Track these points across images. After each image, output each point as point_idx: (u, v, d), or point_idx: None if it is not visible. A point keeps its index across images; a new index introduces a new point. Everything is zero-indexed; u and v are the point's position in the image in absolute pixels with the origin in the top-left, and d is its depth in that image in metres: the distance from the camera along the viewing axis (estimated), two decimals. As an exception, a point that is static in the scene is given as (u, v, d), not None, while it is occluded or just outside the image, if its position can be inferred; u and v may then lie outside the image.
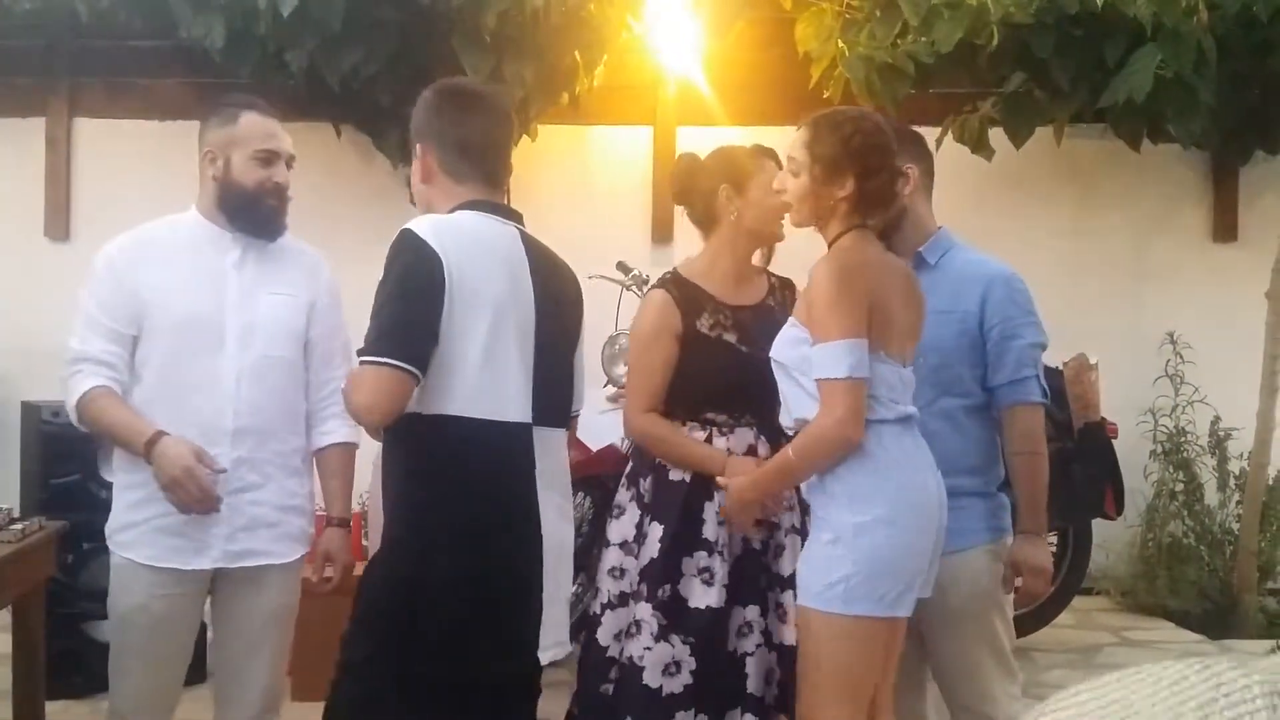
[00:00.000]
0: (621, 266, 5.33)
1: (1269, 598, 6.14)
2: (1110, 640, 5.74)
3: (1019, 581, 3.07)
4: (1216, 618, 5.95)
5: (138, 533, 2.93)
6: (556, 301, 2.66)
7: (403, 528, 2.49)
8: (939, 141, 6.07)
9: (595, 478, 4.75)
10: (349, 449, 3.20)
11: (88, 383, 2.89)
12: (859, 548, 2.68)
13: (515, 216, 2.68)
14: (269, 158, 3.07)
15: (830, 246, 2.81)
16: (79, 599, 4.48)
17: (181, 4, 5.48)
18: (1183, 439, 6.48)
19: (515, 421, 2.52)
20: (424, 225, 2.50)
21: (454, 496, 2.46)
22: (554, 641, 2.58)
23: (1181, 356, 6.58)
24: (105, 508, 3.06)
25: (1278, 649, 5.45)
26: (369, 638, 2.47)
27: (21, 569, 3.50)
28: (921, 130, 3.42)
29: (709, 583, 3.07)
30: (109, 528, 3.02)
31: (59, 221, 6.53)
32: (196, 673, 3.20)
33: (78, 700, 4.46)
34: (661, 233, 6.56)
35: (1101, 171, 6.79)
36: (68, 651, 4.39)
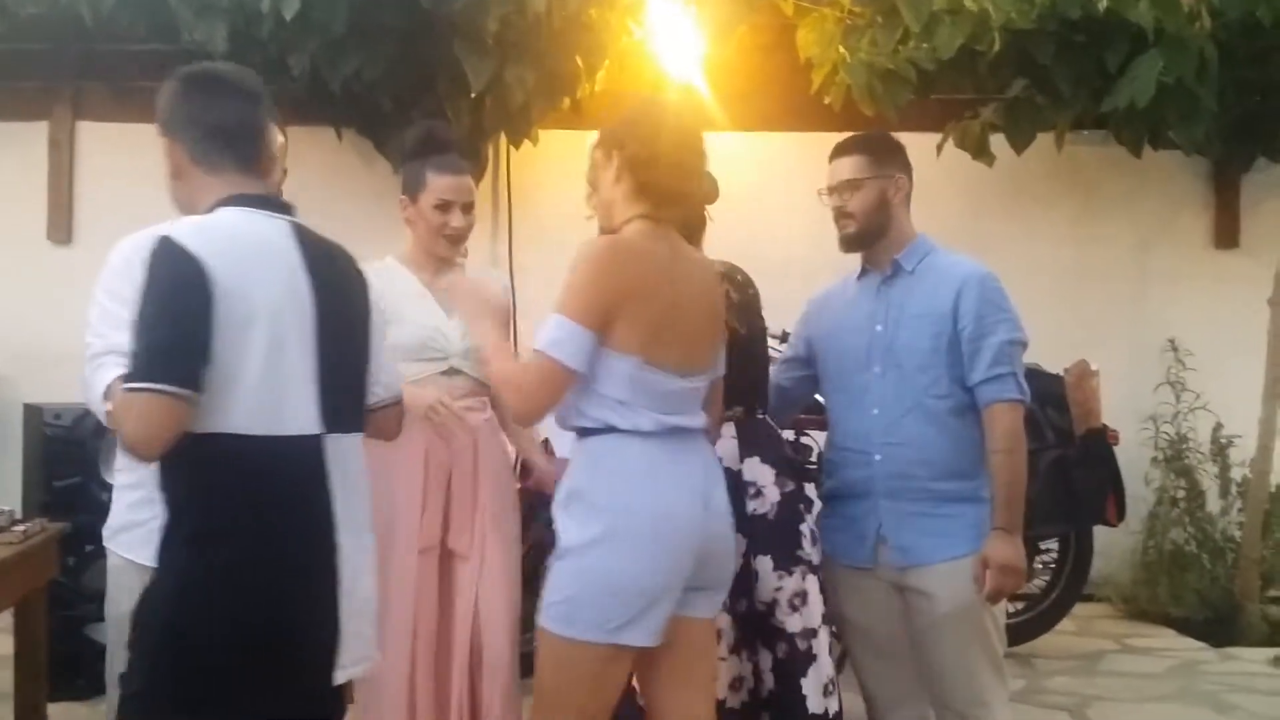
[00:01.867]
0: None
1: (1271, 605, 6.12)
2: (1112, 647, 5.74)
3: (990, 578, 2.99)
4: (1218, 625, 5.94)
5: (142, 533, 2.92)
6: (338, 296, 2.45)
7: (182, 555, 2.25)
8: (940, 148, 6.08)
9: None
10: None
11: (116, 372, 2.86)
12: (583, 567, 2.57)
13: (285, 209, 2.47)
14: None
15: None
16: (81, 601, 4.48)
17: (184, 8, 5.49)
18: (1184, 446, 6.48)
19: (302, 434, 2.32)
20: (184, 230, 2.26)
21: (237, 520, 2.25)
22: (356, 658, 2.40)
23: (1183, 363, 6.58)
24: (107, 510, 3.05)
25: (1279, 657, 5.46)
26: (142, 672, 2.26)
27: (24, 571, 3.50)
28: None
29: None
30: (109, 528, 3.01)
31: (62, 225, 6.54)
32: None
33: (80, 702, 4.46)
34: (663, 238, 6.56)
35: (1103, 178, 6.79)
36: (70, 654, 4.39)
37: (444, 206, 3.34)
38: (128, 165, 6.31)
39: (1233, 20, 5.28)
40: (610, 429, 2.61)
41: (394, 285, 3.31)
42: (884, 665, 3.21)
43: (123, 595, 2.97)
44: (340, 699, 2.47)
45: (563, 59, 5.79)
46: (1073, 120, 6.04)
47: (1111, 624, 6.16)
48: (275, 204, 2.47)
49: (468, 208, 3.39)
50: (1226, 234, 6.92)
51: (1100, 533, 5.56)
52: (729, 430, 3.18)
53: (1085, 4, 5.20)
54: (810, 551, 3.19)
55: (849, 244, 3.26)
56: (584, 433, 2.67)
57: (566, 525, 2.62)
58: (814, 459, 5.11)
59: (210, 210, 2.37)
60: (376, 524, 3.28)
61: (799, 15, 5.82)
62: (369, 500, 2.53)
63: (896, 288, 3.19)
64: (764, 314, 5.05)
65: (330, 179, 6.31)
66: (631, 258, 2.61)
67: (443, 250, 3.38)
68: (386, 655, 3.22)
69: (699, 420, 2.71)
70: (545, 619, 2.63)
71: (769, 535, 3.15)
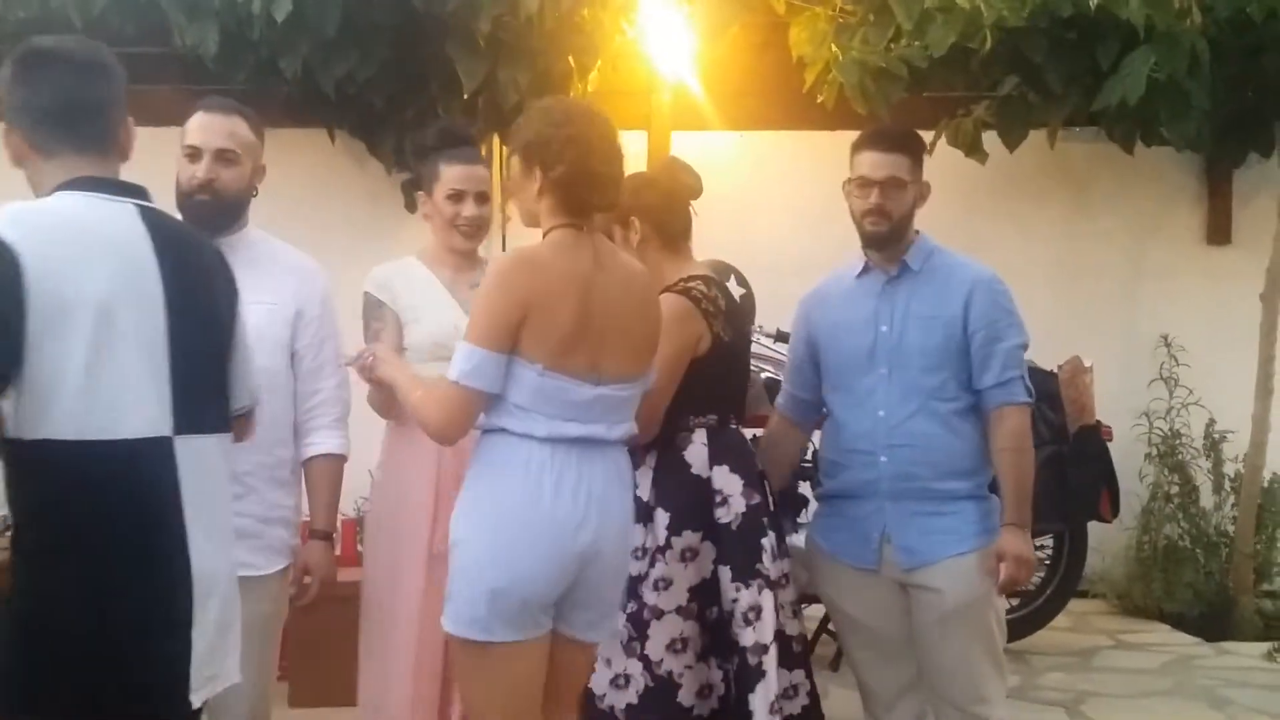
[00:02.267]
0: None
1: (1265, 600, 6.14)
2: (1106, 643, 5.75)
3: (1004, 569, 3.05)
4: (1212, 620, 5.95)
5: None
6: (195, 286, 2.27)
7: (23, 574, 2.10)
8: (932, 145, 6.08)
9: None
10: (336, 460, 3.15)
11: None
12: (460, 565, 2.63)
13: (134, 192, 2.27)
14: (193, 154, 3.02)
15: None
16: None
17: (175, 10, 5.48)
18: (1178, 441, 6.49)
19: (143, 437, 2.13)
20: (1, 217, 2.08)
21: (73, 532, 2.08)
22: (210, 676, 2.25)
23: (1176, 359, 6.59)
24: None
25: (1274, 651, 5.47)
26: None
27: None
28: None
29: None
30: None
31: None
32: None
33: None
34: (656, 237, 6.55)
35: (1095, 174, 6.80)
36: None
37: (456, 196, 3.29)
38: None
39: (1224, 17, 5.29)
40: (503, 431, 2.63)
41: (411, 284, 3.29)
42: (883, 663, 3.22)
43: None
44: (198, 715, 2.31)
45: (555, 59, 5.78)
46: (1065, 117, 6.03)
47: (1106, 620, 6.18)
48: (122, 186, 2.26)
49: (481, 198, 3.32)
50: (1219, 230, 6.93)
51: (1094, 529, 5.57)
52: (700, 437, 3.15)
53: (1077, 1, 5.19)
54: (769, 566, 3.12)
55: (877, 242, 3.19)
56: (483, 432, 2.70)
57: (454, 521, 2.67)
58: (809, 458, 5.13)
59: (49, 195, 2.20)
60: (388, 530, 3.29)
61: (791, 14, 5.81)
62: (228, 510, 2.36)
63: (902, 287, 3.18)
64: (756, 312, 5.09)
65: (323, 180, 6.30)
66: (528, 272, 2.62)
67: (458, 242, 3.31)
68: (392, 661, 3.22)
69: (615, 430, 2.70)
70: (442, 616, 2.69)
71: (731, 545, 3.11)
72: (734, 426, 3.27)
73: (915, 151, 3.22)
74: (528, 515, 2.59)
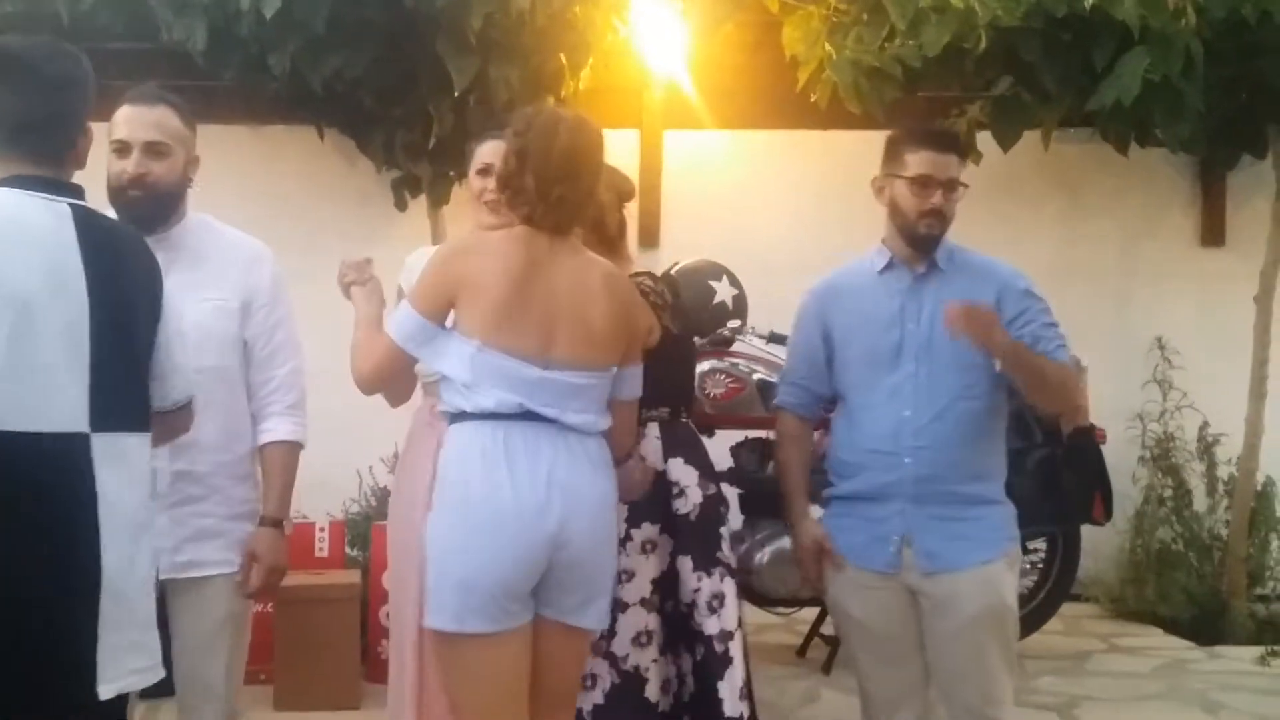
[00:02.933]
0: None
1: (1258, 603, 6.13)
2: (1099, 647, 5.72)
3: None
4: (1205, 623, 5.93)
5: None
6: (121, 287, 2.28)
7: None
8: (927, 145, 6.05)
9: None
10: (290, 447, 3.10)
11: None
12: (430, 557, 2.69)
13: (70, 191, 2.28)
14: (121, 148, 2.95)
15: None
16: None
17: (163, 7, 5.43)
18: (1171, 444, 6.47)
19: (60, 432, 2.14)
20: None
21: None
22: (128, 671, 2.24)
23: (1170, 361, 6.57)
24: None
25: (1267, 655, 5.45)
26: None
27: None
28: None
29: None
30: None
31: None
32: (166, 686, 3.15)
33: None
34: (648, 237, 6.52)
35: (1089, 176, 6.78)
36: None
37: (485, 171, 3.36)
38: (106, 163, 6.28)
39: (1218, 18, 5.27)
40: (461, 414, 2.71)
41: None
42: (886, 667, 3.17)
43: None
44: (118, 712, 2.30)
45: (547, 57, 5.74)
46: (1059, 118, 6.01)
47: (1099, 623, 6.15)
48: (58, 185, 2.27)
49: None
50: (1213, 232, 6.91)
51: (1088, 532, 5.54)
52: (653, 431, 3.20)
53: (1071, 2, 5.17)
54: (728, 554, 3.21)
55: (927, 246, 3.13)
56: (448, 421, 2.78)
57: (429, 516, 2.73)
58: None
59: None
60: (399, 526, 3.27)
61: (784, 12, 5.79)
62: (150, 508, 2.36)
63: (930, 284, 3.13)
64: (748, 312, 5.07)
65: (312, 179, 6.27)
66: (467, 252, 2.80)
67: (485, 217, 3.34)
68: (401, 656, 3.25)
69: (573, 416, 2.72)
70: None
71: (690, 535, 3.17)
72: (685, 420, 3.34)
73: (964, 153, 3.24)
74: (489, 503, 2.62)
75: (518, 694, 2.70)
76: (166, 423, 2.47)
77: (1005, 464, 3.15)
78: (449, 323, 2.74)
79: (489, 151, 3.34)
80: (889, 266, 3.18)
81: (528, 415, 2.66)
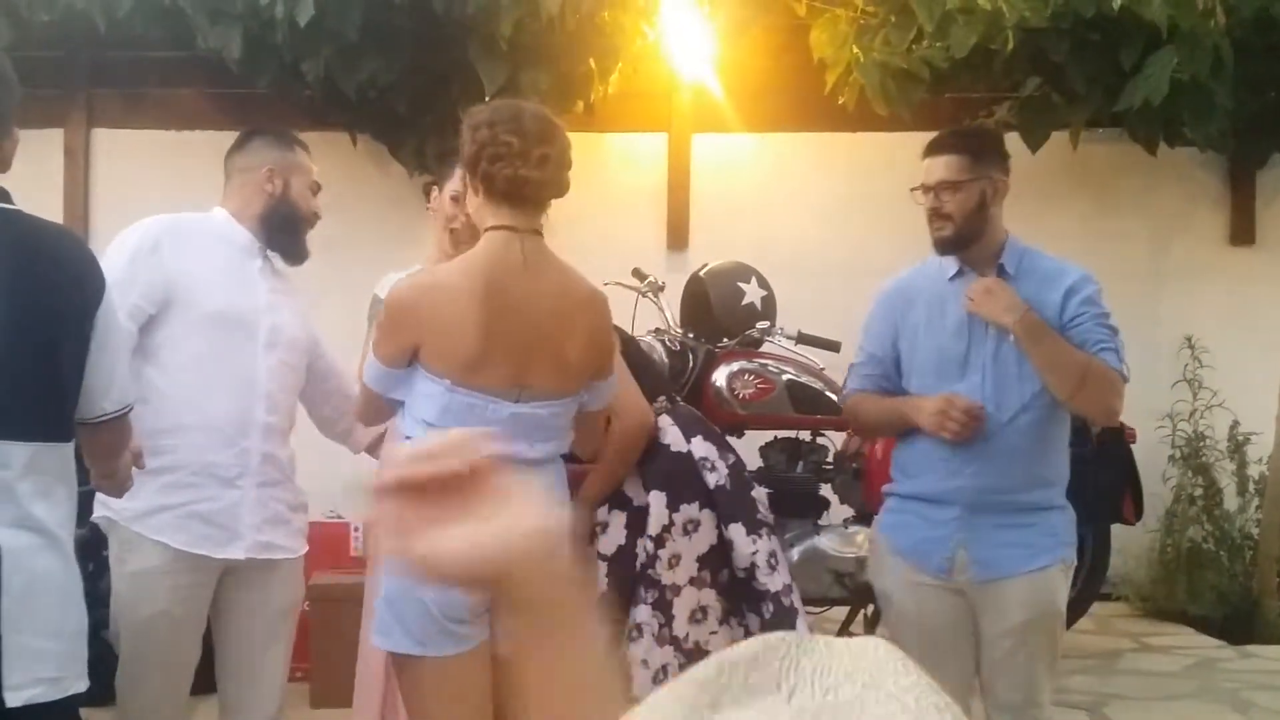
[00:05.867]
0: (637, 273, 5.33)
1: (1289, 603, 6.11)
2: (1130, 646, 5.72)
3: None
4: (1236, 623, 5.91)
5: (171, 516, 2.93)
6: (37, 290, 2.25)
7: None
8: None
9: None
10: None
11: None
12: (389, 580, 2.60)
13: None
14: (316, 189, 3.26)
15: None
16: (99, 606, 4.48)
17: (199, 15, 5.51)
18: (1201, 444, 6.45)
19: None
20: None
21: None
22: (30, 679, 2.22)
23: (1200, 360, 6.54)
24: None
25: (1299, 654, 5.44)
26: None
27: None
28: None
29: None
30: (132, 511, 2.94)
31: (77, 232, 6.56)
32: (206, 682, 3.21)
33: (100, 708, 4.46)
34: (677, 239, 6.56)
35: (1118, 175, 6.77)
36: (91, 659, 4.39)
37: (458, 199, 3.32)
38: (142, 171, 6.36)
39: (1247, 17, 5.26)
40: None
41: None
42: (932, 664, 3.16)
43: (143, 598, 2.99)
44: None
45: (576, 62, 5.79)
46: (1087, 118, 6.02)
47: (1129, 623, 6.14)
48: None
49: None
50: (1242, 230, 6.88)
51: (1118, 531, 5.55)
52: (665, 420, 3.28)
53: (1099, 2, 5.18)
54: (767, 514, 3.30)
55: (944, 246, 3.13)
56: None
57: None
58: (829, 460, 5.12)
59: None
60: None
61: (812, 15, 5.81)
62: (68, 513, 2.34)
63: None
64: (777, 313, 5.09)
65: (345, 184, 6.29)
66: (416, 305, 2.64)
67: (448, 245, 3.34)
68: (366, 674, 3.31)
69: (537, 449, 2.66)
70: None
71: (733, 503, 3.23)
72: (680, 402, 3.49)
73: (974, 149, 3.17)
74: None
75: (479, 713, 2.67)
76: (99, 434, 2.43)
77: (1067, 467, 3.12)
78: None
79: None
80: (959, 273, 3.15)
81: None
